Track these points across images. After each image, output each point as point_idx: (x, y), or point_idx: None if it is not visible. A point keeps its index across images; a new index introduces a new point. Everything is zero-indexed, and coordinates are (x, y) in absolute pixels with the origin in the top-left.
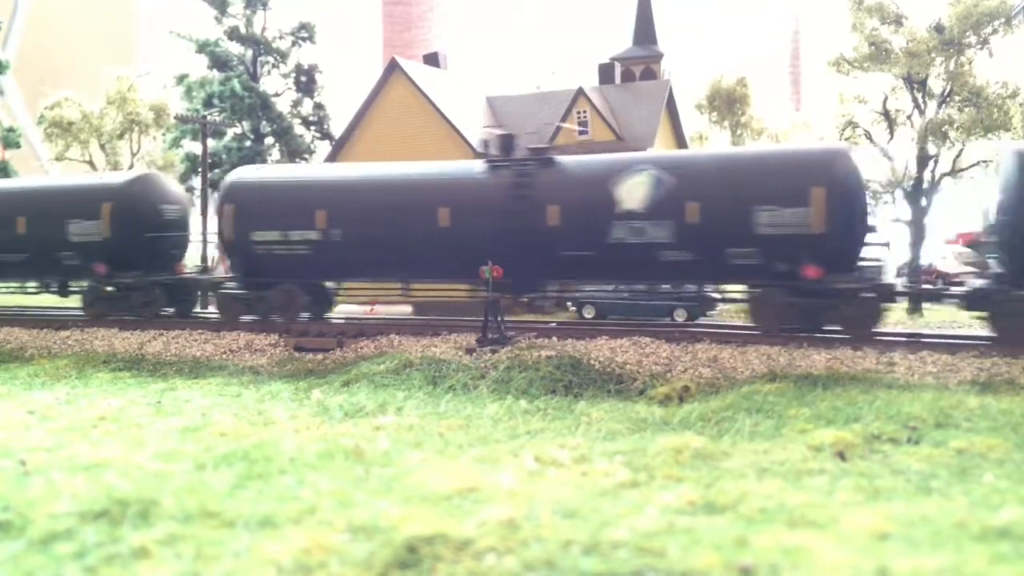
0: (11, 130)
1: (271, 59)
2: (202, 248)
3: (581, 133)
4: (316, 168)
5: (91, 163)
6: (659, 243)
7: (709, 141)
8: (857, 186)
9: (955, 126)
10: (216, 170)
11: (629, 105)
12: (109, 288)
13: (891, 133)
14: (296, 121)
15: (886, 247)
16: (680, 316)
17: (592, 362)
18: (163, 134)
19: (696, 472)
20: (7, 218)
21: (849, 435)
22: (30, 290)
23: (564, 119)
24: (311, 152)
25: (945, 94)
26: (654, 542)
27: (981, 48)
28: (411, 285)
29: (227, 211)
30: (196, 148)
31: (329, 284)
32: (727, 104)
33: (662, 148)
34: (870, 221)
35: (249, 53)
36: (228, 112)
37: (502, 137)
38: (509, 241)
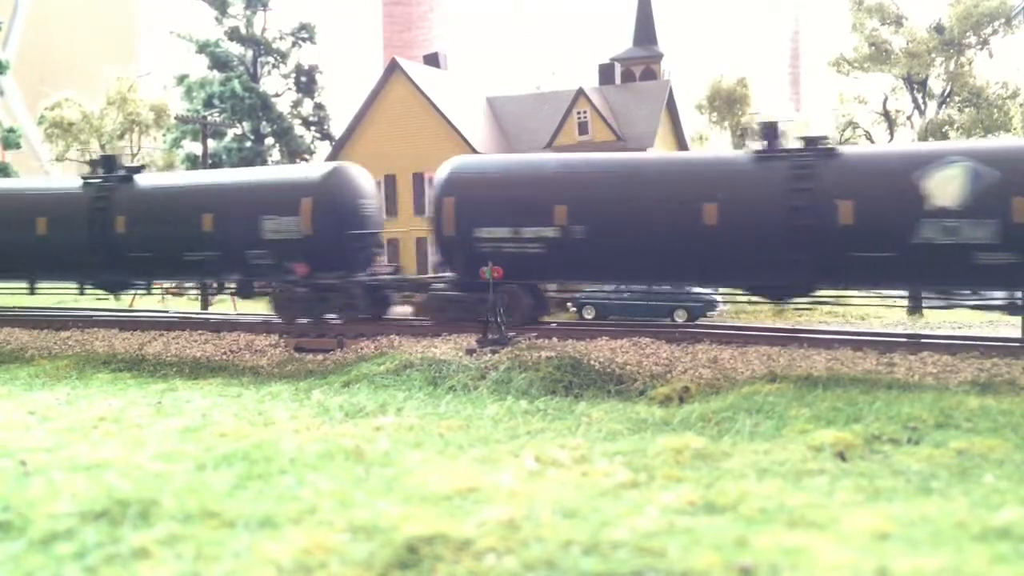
0: (11, 131)
1: (271, 59)
2: None
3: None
4: (550, 158)
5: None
6: (977, 244)
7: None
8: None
9: (955, 126)
10: None
11: (629, 105)
12: (301, 289)
13: (891, 133)
14: (296, 121)
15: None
16: (680, 316)
17: (592, 363)
18: (163, 135)
19: (696, 472)
20: (192, 215)
21: (849, 435)
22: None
23: (564, 119)
24: (311, 152)
25: (945, 94)
26: (654, 542)
27: (981, 48)
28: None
29: (446, 204)
30: (196, 149)
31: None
32: (727, 104)
33: (662, 149)
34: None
35: (249, 53)
36: (228, 112)
37: (763, 125)
38: (785, 240)
